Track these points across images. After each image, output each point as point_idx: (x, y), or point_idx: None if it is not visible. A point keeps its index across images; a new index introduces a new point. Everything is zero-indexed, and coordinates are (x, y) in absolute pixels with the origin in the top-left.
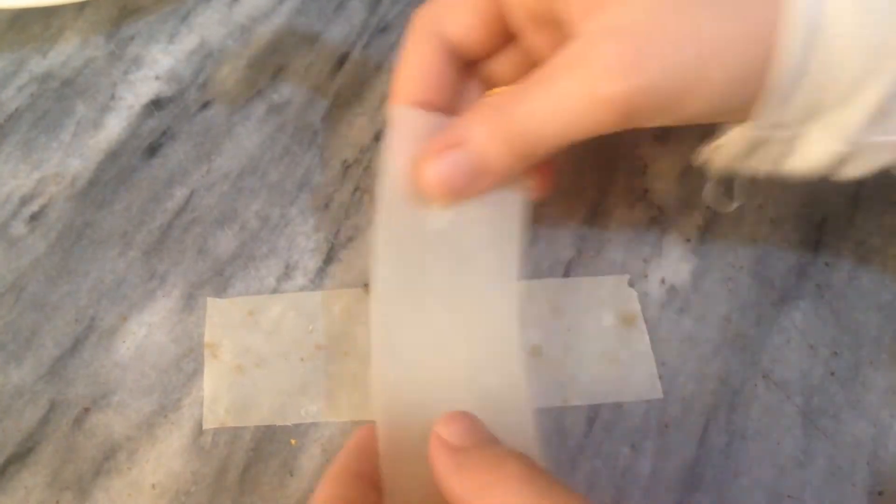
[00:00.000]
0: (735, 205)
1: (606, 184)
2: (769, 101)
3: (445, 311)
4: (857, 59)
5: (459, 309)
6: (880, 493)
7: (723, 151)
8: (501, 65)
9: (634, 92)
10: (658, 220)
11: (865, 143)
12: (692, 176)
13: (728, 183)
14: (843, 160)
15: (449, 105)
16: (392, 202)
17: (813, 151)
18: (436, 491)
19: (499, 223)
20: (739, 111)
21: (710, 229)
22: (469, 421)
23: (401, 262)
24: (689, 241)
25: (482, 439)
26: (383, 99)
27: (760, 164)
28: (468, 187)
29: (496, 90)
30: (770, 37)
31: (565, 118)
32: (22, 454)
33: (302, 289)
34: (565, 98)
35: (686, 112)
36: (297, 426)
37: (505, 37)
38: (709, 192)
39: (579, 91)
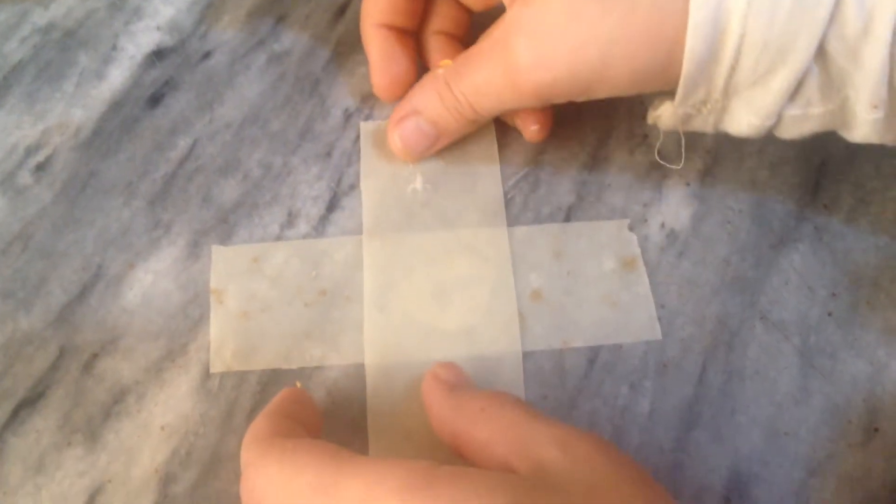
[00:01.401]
0: (682, 163)
1: (607, 129)
2: (682, 88)
3: (437, 266)
4: (762, 55)
5: (452, 261)
6: (876, 430)
7: (662, 120)
8: None
9: (543, 84)
10: (658, 164)
11: (785, 115)
12: None
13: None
14: (770, 128)
15: (412, 26)
16: (375, 191)
17: (738, 122)
18: (416, 428)
19: (478, 180)
20: (655, 88)
21: (709, 173)
22: (460, 369)
23: (388, 231)
24: (688, 184)
25: (472, 384)
26: None
27: (700, 128)
28: (428, 148)
29: (445, 62)
30: (672, 36)
31: (494, 95)
32: (32, 399)
33: (305, 236)
34: (491, 80)
35: (597, 95)
36: (302, 370)
37: None
38: (658, 151)
39: (500, 78)
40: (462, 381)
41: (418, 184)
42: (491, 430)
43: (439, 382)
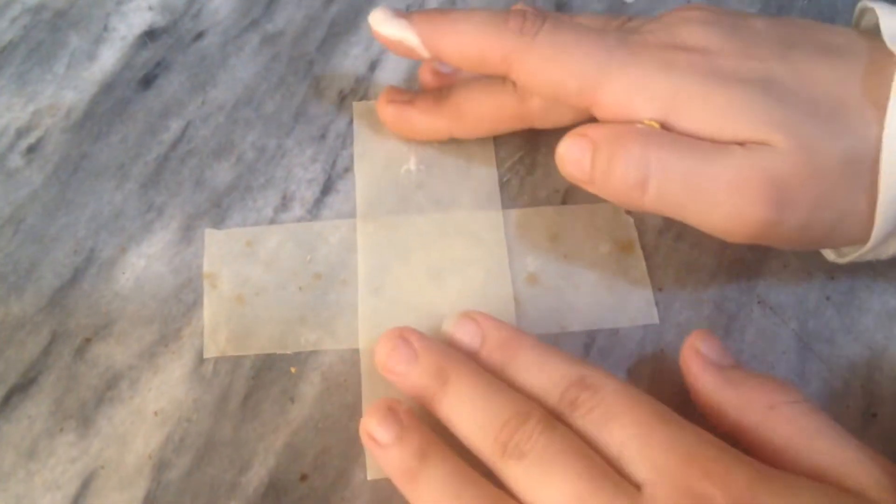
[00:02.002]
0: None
1: None
2: (873, 242)
3: (432, 249)
4: None
5: (446, 244)
6: (874, 416)
7: (846, 257)
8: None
9: (759, 235)
10: None
11: None
12: None
13: None
14: None
15: None
16: (368, 172)
17: None
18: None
19: (473, 162)
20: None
21: None
22: (719, 341)
23: (382, 214)
24: None
25: (732, 361)
26: None
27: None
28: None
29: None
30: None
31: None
32: (24, 384)
33: (299, 219)
34: (716, 202)
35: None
36: (296, 354)
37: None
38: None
39: (726, 208)
40: (725, 357)
41: (412, 164)
42: (789, 436)
43: (705, 360)
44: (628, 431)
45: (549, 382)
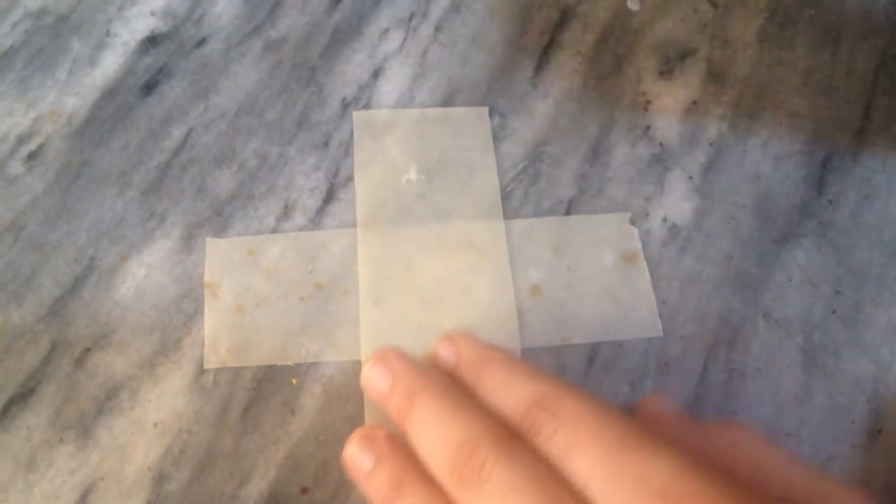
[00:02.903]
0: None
1: (608, 121)
2: None
3: (434, 259)
4: None
5: (448, 255)
6: (879, 431)
7: None
8: None
9: None
10: (660, 157)
11: None
12: (695, 112)
13: None
14: None
15: None
16: (369, 182)
17: None
18: None
19: (474, 171)
20: None
21: (712, 167)
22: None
23: (383, 223)
24: (691, 178)
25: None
26: (381, 35)
27: None
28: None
29: None
30: None
31: None
32: (24, 394)
33: (301, 228)
34: None
35: None
36: (297, 366)
37: None
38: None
39: None
40: (681, 412)
41: (413, 174)
42: (758, 469)
43: (665, 416)
44: (591, 461)
45: (510, 404)
